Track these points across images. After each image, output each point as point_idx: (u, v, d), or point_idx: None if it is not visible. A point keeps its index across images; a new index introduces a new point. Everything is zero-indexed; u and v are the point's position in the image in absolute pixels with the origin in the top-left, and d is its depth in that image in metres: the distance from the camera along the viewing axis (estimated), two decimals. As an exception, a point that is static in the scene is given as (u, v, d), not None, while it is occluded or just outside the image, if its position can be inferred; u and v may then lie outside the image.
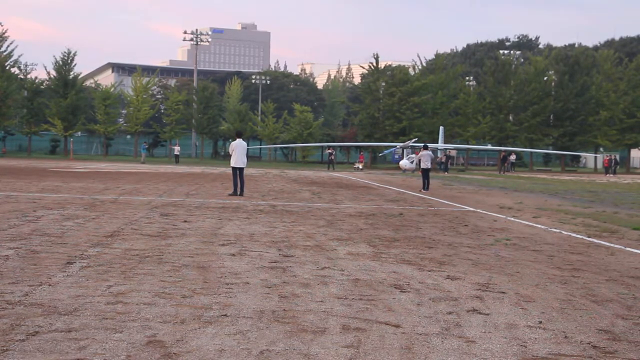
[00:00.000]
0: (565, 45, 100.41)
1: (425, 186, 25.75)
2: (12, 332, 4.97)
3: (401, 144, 56.20)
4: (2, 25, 65.34)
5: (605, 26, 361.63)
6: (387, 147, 63.07)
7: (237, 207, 15.87)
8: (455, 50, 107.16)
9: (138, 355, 4.57)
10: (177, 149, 59.87)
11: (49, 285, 6.59)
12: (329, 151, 61.51)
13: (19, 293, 6.20)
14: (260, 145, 77.09)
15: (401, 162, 53.10)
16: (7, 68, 64.75)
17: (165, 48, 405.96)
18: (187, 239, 10.11)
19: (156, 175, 31.79)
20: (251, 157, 23.70)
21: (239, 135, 20.53)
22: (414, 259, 9.05)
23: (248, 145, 20.80)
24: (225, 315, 5.69)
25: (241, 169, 19.90)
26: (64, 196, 17.36)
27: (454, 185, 31.66)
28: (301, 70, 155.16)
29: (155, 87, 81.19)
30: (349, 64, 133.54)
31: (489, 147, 64.77)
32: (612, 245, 11.11)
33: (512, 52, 78.58)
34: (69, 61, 68.94)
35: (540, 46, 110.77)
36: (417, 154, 35.58)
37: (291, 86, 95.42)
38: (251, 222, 12.86)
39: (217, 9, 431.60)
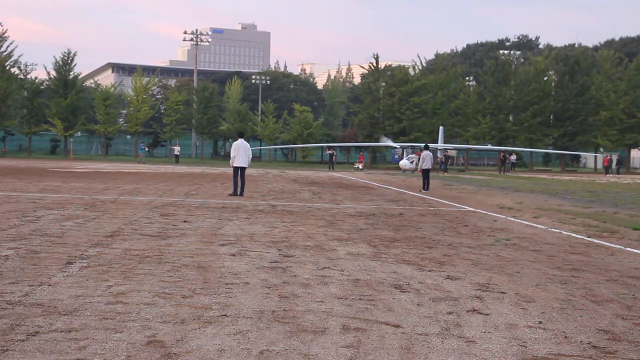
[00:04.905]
0: (565, 45, 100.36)
1: (426, 186, 25.77)
2: (12, 332, 4.97)
3: (400, 144, 56.36)
4: (2, 26, 65.54)
5: (605, 26, 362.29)
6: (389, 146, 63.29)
7: (237, 207, 15.86)
8: (455, 51, 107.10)
9: (138, 355, 4.56)
10: (177, 149, 59.93)
11: (49, 285, 6.58)
12: (330, 152, 61.52)
13: (19, 293, 6.19)
14: (260, 145, 77.08)
15: (401, 162, 53.27)
16: (7, 68, 64.80)
17: (165, 48, 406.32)
18: (187, 239, 10.10)
19: (156, 176, 31.79)
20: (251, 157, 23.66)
21: (240, 135, 20.56)
22: (414, 259, 9.05)
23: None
24: (225, 315, 5.68)
25: (242, 169, 19.91)
26: (64, 196, 17.36)
27: (454, 185, 31.65)
28: (301, 70, 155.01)
29: (155, 87, 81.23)
30: (349, 64, 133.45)
31: (489, 147, 64.76)
32: (612, 245, 11.10)
33: (512, 52, 78.41)
34: (69, 61, 69.02)
35: (540, 46, 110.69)
36: (418, 154, 35.64)
37: (291, 86, 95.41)
38: (251, 222, 12.86)
39: (217, 9, 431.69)
